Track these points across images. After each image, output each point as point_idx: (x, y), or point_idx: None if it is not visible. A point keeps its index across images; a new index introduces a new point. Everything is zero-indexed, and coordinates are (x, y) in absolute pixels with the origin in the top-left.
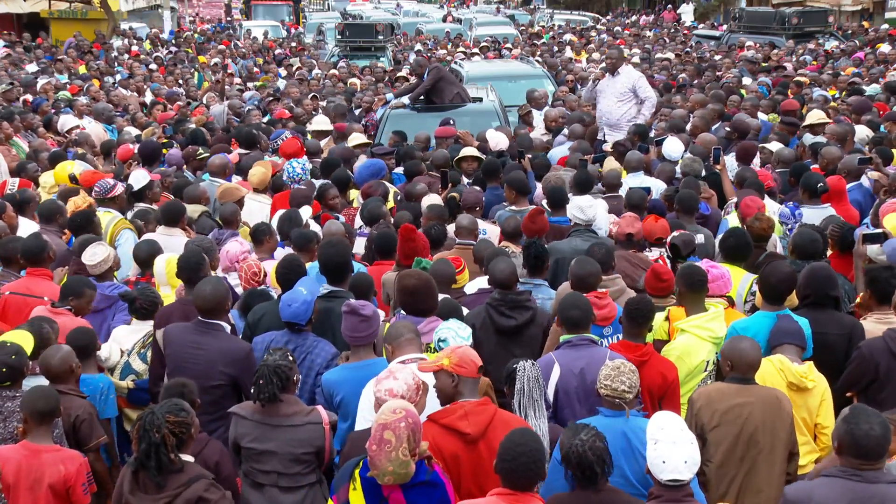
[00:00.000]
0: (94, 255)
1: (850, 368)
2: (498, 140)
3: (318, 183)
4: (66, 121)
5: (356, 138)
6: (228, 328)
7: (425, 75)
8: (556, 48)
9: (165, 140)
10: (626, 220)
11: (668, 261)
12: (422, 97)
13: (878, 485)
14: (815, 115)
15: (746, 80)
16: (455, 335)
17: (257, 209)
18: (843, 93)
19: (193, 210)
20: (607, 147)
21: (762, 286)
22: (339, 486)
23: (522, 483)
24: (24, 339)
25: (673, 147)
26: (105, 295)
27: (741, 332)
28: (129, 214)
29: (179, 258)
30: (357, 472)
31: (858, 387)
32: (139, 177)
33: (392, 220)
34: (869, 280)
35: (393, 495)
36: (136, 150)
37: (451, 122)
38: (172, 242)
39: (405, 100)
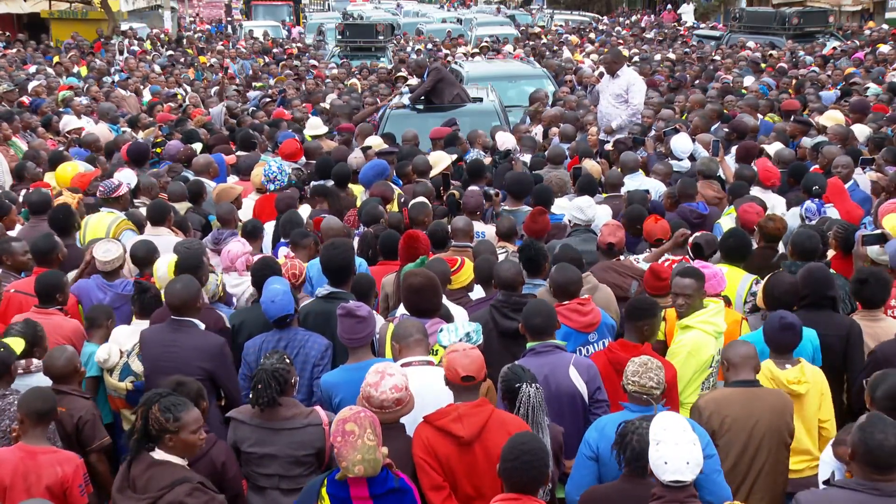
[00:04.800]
0: (107, 251)
1: (865, 372)
2: (505, 140)
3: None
4: (67, 121)
5: (375, 141)
6: (202, 326)
7: (425, 76)
8: (555, 48)
9: (159, 140)
10: (608, 230)
11: (690, 261)
12: (422, 97)
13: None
14: (830, 116)
15: (749, 80)
16: (448, 332)
17: None
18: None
19: (180, 208)
20: (608, 147)
21: (766, 297)
22: None
23: (524, 484)
24: (10, 339)
25: (681, 144)
26: (118, 294)
27: None
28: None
29: (177, 260)
30: (324, 489)
31: None
32: (128, 176)
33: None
34: (855, 290)
35: None
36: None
37: (456, 122)
38: (160, 242)
39: (405, 100)
